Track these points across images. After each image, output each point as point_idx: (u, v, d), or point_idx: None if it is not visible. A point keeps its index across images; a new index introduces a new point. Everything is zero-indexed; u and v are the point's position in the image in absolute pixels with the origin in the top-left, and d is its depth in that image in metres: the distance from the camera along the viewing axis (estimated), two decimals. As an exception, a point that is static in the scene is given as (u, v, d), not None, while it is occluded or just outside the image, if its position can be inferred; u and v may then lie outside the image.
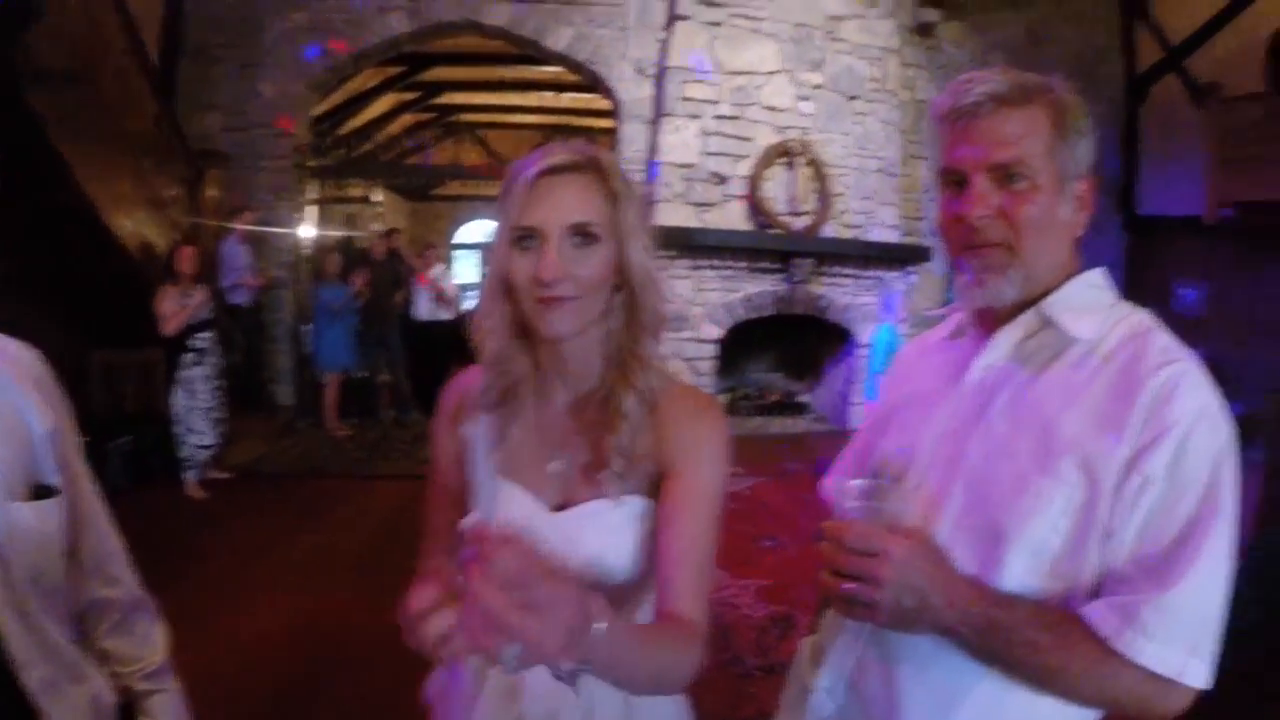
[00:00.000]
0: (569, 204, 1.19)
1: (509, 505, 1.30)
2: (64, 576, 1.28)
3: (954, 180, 1.23)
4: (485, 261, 10.24)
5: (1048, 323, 1.21)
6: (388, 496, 6.44)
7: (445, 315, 9.80)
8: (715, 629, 4.09)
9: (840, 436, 9.34)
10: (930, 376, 1.38)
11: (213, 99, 9.07)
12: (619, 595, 1.27)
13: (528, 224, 1.18)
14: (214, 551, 5.19)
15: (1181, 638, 1.04)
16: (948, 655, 1.15)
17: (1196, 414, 1.07)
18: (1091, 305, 1.22)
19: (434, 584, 0.94)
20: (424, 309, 9.74)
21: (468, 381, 1.39)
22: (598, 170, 1.23)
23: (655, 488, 1.29)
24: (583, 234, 1.20)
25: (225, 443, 6.76)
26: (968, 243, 1.22)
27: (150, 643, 1.46)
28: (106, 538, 1.41)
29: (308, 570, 4.99)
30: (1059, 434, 1.13)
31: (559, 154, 1.21)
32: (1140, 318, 1.21)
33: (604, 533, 1.28)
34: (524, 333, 1.30)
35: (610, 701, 1.29)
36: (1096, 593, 1.10)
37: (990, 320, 1.27)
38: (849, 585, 1.10)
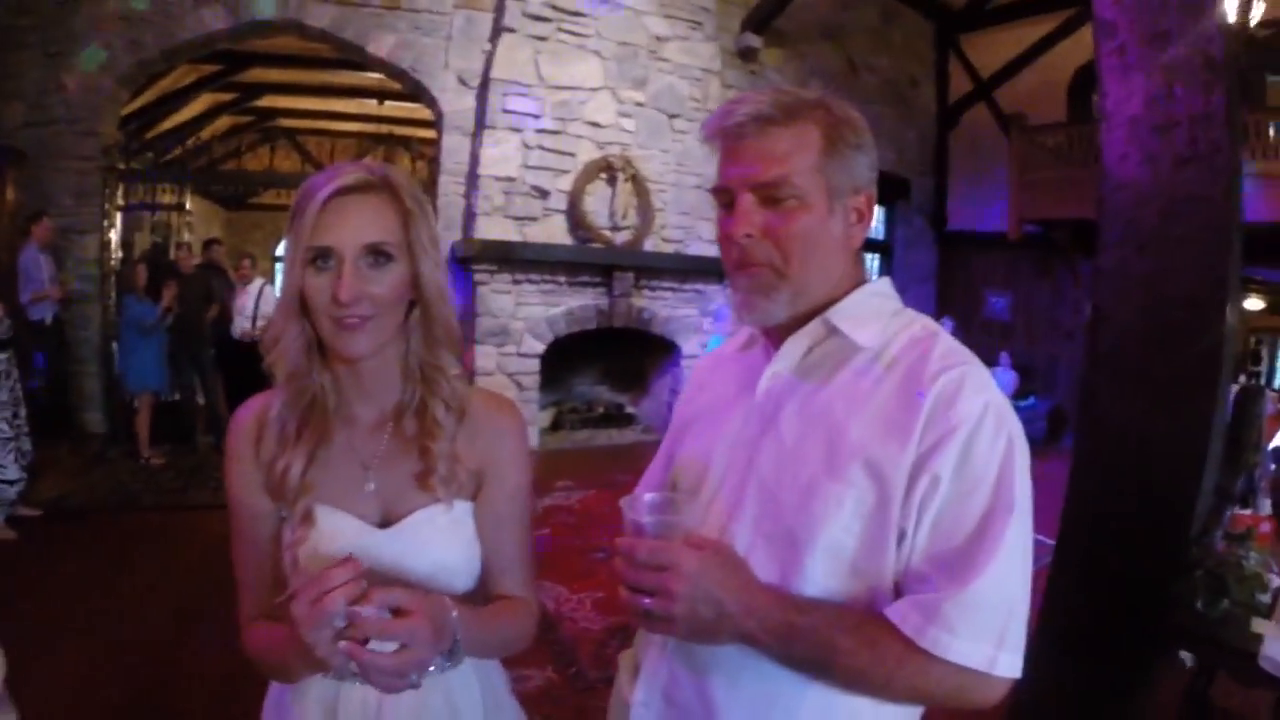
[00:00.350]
0: (363, 224, 1.20)
1: (332, 530, 1.30)
2: None
3: (725, 200, 1.24)
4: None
5: (833, 331, 1.23)
6: (209, 527, 6.02)
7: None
8: (556, 644, 4.22)
9: (669, 447, 9.49)
10: (724, 387, 1.39)
11: (14, 88, 8.34)
12: (468, 595, 1.37)
13: (322, 244, 1.19)
14: (26, 599, 4.77)
15: (986, 631, 1.06)
16: (757, 663, 1.15)
17: (980, 413, 1.10)
18: (875, 313, 1.24)
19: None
20: (243, 328, 9.13)
21: (257, 408, 1.36)
22: (390, 189, 1.24)
23: (473, 490, 1.37)
24: (377, 253, 1.21)
25: (30, 476, 6.13)
26: (737, 262, 1.23)
27: None
28: None
29: (128, 614, 4.68)
30: (846, 439, 1.14)
31: (351, 173, 1.22)
32: (923, 324, 1.25)
33: (442, 536, 1.33)
34: (320, 351, 1.30)
35: (471, 717, 1.39)
36: (899, 592, 1.12)
37: (779, 331, 1.28)
38: (645, 601, 1.09)
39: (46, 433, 7.11)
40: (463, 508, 1.36)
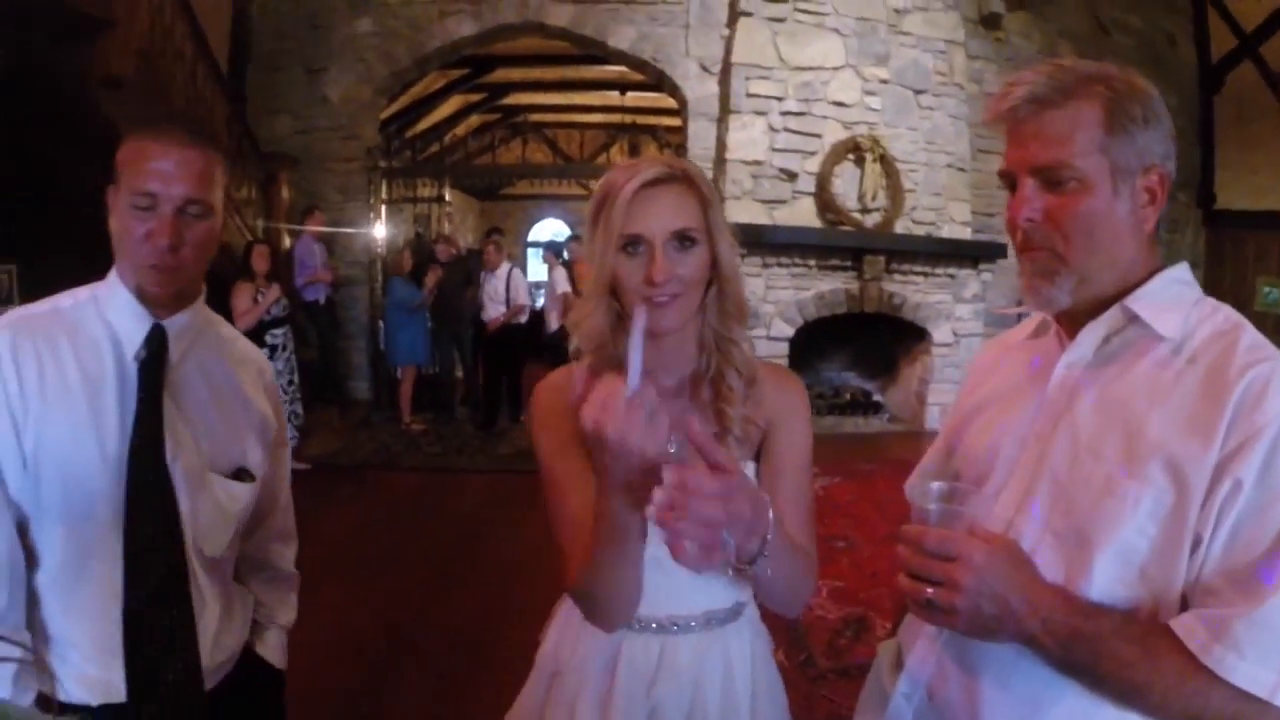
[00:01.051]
0: (670, 212, 1.30)
1: None
2: (233, 548, 1.62)
3: (1009, 183, 1.21)
4: (546, 260, 10.11)
5: (1133, 319, 1.16)
6: (463, 491, 6.49)
7: (518, 320, 9.22)
8: (789, 629, 4.06)
9: (915, 437, 9.37)
10: (1013, 375, 1.36)
11: (281, 103, 9.31)
12: None
13: (634, 232, 1.29)
14: (300, 542, 5.13)
15: (1274, 655, 0.97)
16: (1030, 666, 1.11)
17: None
18: (1177, 301, 1.16)
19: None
20: (495, 312, 9.09)
21: (560, 379, 1.47)
22: (688, 180, 1.34)
23: (758, 451, 1.45)
24: (683, 238, 1.31)
25: (302, 435, 6.85)
26: (1021, 245, 1.20)
27: (286, 604, 1.87)
28: (287, 521, 1.86)
29: (386, 562, 5.03)
30: (1146, 435, 1.08)
31: (654, 167, 1.32)
32: (1226, 314, 1.16)
33: None
34: (624, 326, 1.37)
35: (741, 677, 1.48)
36: (1187, 603, 1.05)
37: (1073, 318, 1.22)
38: (928, 590, 1.08)
39: (318, 398, 7.98)
40: (752, 468, 1.43)
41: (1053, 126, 1.13)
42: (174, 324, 1.48)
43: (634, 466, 1.09)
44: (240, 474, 1.55)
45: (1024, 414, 1.26)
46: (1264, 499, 1.00)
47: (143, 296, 1.45)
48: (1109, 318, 1.18)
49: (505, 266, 9.26)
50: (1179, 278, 1.20)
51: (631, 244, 1.30)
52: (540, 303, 10.02)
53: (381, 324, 9.40)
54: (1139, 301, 1.16)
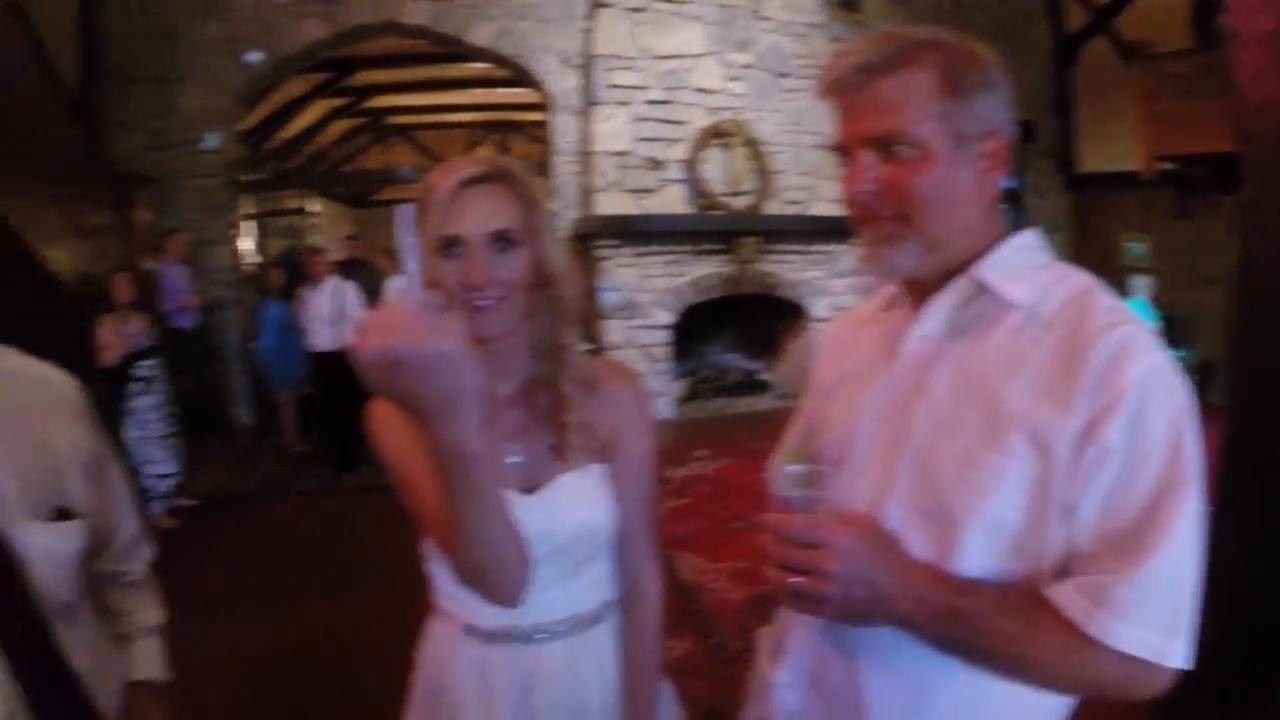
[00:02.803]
0: (488, 212, 1.28)
1: None
2: (78, 593, 1.39)
3: (844, 156, 1.17)
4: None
5: (982, 288, 1.14)
6: (356, 511, 6.34)
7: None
8: (697, 615, 4.08)
9: (805, 412, 9.37)
10: (866, 351, 1.30)
11: (133, 119, 8.82)
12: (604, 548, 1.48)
13: (451, 233, 1.27)
14: (194, 579, 4.91)
15: (1157, 617, 0.98)
16: (912, 647, 1.09)
17: (1150, 377, 1.01)
18: (1025, 268, 1.15)
19: None
20: (323, 335, 7.71)
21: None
22: (509, 179, 1.32)
23: (606, 453, 1.45)
24: (503, 239, 1.29)
25: (186, 470, 6.58)
26: (860, 217, 1.16)
27: (150, 606, 1.65)
28: (130, 533, 1.59)
29: (280, 594, 4.89)
30: (1005, 406, 1.06)
31: (473, 166, 1.30)
32: (1079, 278, 1.14)
33: (582, 498, 1.41)
34: None
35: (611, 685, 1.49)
36: (1063, 571, 1.04)
37: (921, 289, 1.20)
38: (795, 579, 1.04)
39: (200, 429, 7.58)
40: (598, 470, 1.44)
41: (886, 95, 1.10)
42: None
43: (442, 376, 1.00)
44: (63, 514, 1.33)
45: (880, 389, 1.21)
46: (1133, 462, 0.99)
47: None
48: (957, 288, 1.15)
49: (332, 280, 7.92)
50: (1026, 243, 1.18)
51: (449, 245, 1.27)
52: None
53: (257, 346, 8.81)
54: (987, 270, 1.14)
